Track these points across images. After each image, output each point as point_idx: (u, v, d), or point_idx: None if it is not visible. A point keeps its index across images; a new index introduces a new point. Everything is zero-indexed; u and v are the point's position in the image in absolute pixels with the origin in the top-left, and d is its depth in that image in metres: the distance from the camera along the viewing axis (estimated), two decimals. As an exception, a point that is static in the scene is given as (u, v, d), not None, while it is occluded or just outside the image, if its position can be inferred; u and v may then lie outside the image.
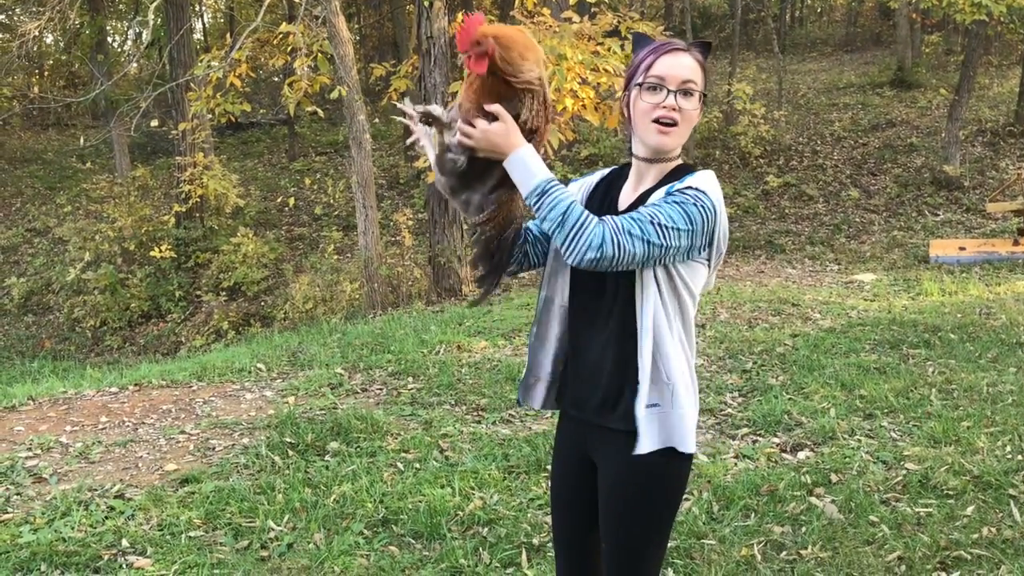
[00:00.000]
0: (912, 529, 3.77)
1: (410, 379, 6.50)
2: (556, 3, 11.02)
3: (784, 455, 4.73)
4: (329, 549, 3.74)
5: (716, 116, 17.06)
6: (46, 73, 26.06)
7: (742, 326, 7.75)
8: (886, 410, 5.35)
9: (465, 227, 10.98)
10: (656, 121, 2.06)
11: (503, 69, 1.95)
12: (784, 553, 3.63)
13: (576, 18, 9.42)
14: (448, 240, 10.75)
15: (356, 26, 22.66)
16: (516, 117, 1.99)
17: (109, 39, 22.06)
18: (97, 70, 16.49)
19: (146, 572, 3.61)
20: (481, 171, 2.08)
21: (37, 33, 10.48)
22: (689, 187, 2.01)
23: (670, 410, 2.07)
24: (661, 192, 2.04)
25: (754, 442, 4.95)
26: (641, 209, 2.00)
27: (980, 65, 14.96)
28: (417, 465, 4.69)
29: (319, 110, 10.21)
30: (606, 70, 8.95)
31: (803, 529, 3.81)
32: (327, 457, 4.89)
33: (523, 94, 1.98)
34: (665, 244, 1.96)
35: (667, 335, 2.07)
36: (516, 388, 6.08)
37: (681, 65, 2.06)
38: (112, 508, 4.27)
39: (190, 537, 3.91)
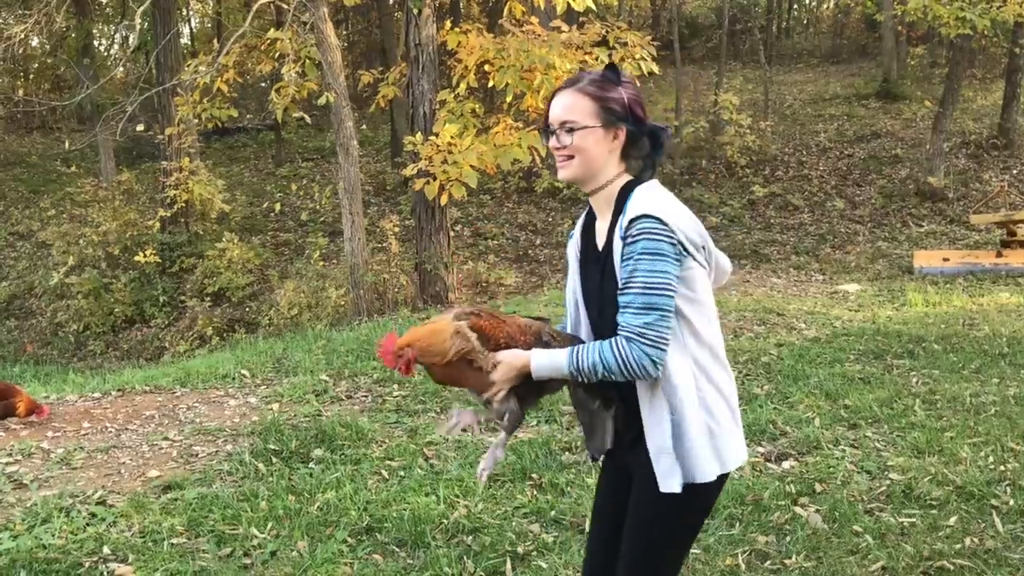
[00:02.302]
0: (896, 539, 3.78)
1: (395, 386, 6.48)
2: (545, 12, 11.04)
3: (769, 464, 4.73)
4: (312, 557, 3.71)
5: (702, 126, 17.14)
6: (31, 76, 25.92)
7: (727, 335, 7.77)
8: (870, 420, 5.37)
9: (450, 249, 10.98)
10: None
11: (430, 362, 2.22)
12: (768, 563, 3.63)
13: (564, 27, 9.46)
14: (434, 247, 10.75)
15: (344, 32, 22.66)
16: (471, 368, 2.21)
17: (95, 43, 21.98)
18: (83, 73, 16.41)
19: (128, 579, 3.58)
20: (530, 393, 2.32)
21: (23, 36, 10.42)
22: (631, 224, 2.09)
23: (679, 447, 2.14)
24: (617, 242, 2.13)
25: (739, 451, 4.95)
26: (628, 289, 2.08)
27: (964, 78, 15.10)
28: (402, 473, 4.67)
29: (306, 116, 10.19)
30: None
31: (787, 539, 3.81)
32: (311, 464, 4.86)
33: (463, 356, 2.20)
34: (670, 292, 2.06)
35: (670, 366, 2.12)
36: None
37: (559, 106, 2.21)
38: (94, 515, 4.23)
39: (172, 544, 3.88)
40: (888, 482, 4.39)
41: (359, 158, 10.93)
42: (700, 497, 2.19)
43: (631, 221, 2.08)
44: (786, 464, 4.72)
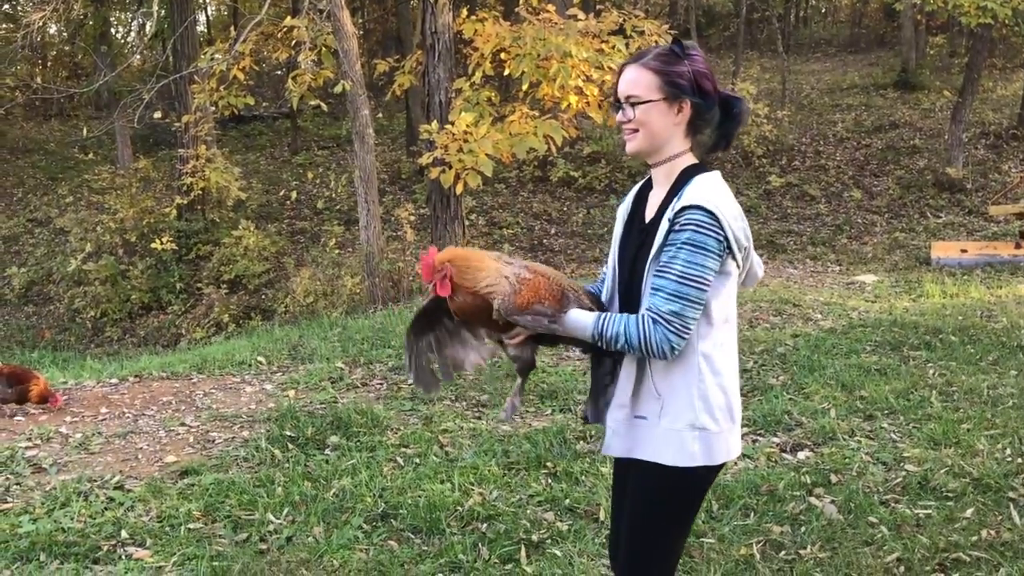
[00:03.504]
0: (911, 530, 3.77)
1: (410, 374, 6.49)
2: (562, 0, 11.01)
3: (784, 455, 4.73)
4: (328, 543, 3.74)
5: (719, 115, 17.05)
6: (49, 63, 26.04)
7: (743, 326, 7.75)
8: (886, 411, 5.35)
9: (465, 238, 10.98)
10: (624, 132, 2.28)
11: (463, 285, 2.23)
12: (783, 553, 3.63)
13: (581, 16, 9.43)
14: (449, 236, 10.75)
15: (360, 20, 22.65)
16: (489, 313, 2.23)
17: (113, 30, 22.05)
18: (100, 61, 16.47)
19: (145, 563, 3.62)
20: (545, 343, 2.37)
21: (41, 23, 10.46)
22: (683, 211, 2.11)
23: (656, 423, 2.19)
24: (665, 221, 2.15)
25: (754, 442, 4.95)
26: (665, 274, 2.11)
27: (984, 68, 14.96)
28: (417, 460, 4.69)
29: (323, 104, 10.20)
30: (610, 68, 8.95)
31: (802, 529, 3.81)
32: (327, 451, 4.89)
33: (489, 296, 2.22)
34: (704, 286, 2.09)
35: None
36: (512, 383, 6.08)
37: (624, 81, 2.24)
38: (112, 499, 4.27)
39: (189, 529, 3.92)
40: (904, 473, 4.37)
41: (375, 146, 10.94)
42: (680, 481, 2.22)
43: (683, 208, 2.10)
44: (801, 455, 4.72)
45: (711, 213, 2.07)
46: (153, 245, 13.26)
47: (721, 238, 2.08)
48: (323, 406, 5.67)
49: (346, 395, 6.04)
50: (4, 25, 21.81)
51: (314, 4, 9.61)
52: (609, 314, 2.19)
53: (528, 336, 2.27)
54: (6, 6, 22.20)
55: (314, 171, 17.59)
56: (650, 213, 2.28)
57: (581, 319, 2.21)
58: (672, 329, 2.08)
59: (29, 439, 5.20)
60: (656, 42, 9.55)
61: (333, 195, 16.17)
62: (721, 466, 2.27)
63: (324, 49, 9.93)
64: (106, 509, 4.15)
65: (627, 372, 2.23)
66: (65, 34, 21.76)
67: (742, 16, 18.64)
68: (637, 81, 2.20)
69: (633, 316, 2.14)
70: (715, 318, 2.17)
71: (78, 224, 14.69)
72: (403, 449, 4.87)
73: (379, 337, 7.62)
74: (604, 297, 2.40)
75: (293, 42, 10.04)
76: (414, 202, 14.64)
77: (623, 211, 2.40)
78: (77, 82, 22.30)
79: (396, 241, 11.91)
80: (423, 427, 5.23)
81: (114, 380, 6.72)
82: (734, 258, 2.14)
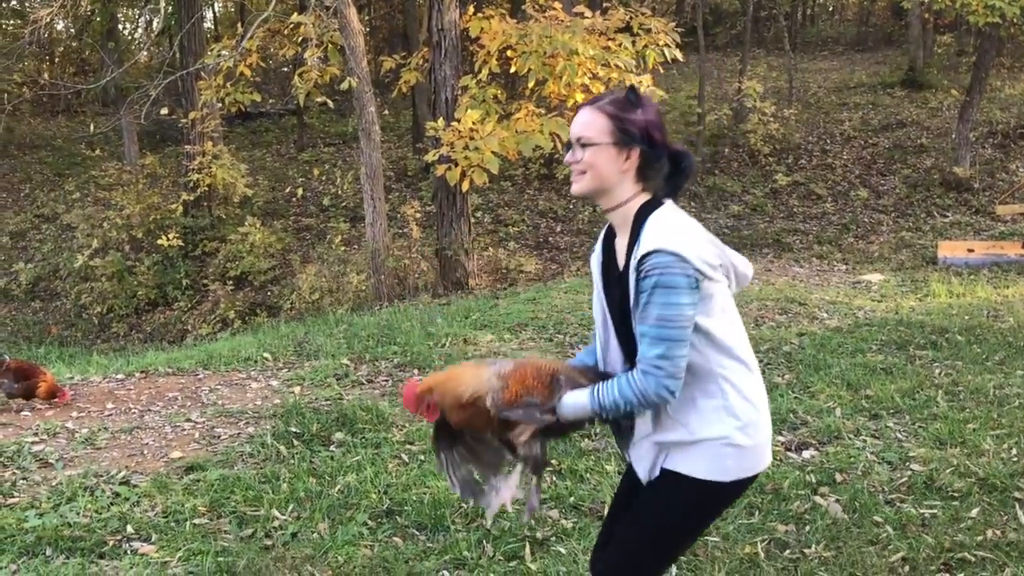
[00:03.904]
0: (916, 530, 3.76)
1: (416, 371, 6.51)
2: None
3: (789, 454, 4.72)
4: (333, 539, 3.75)
5: (726, 114, 17.03)
6: (56, 60, 26.09)
7: (748, 324, 7.74)
8: (892, 411, 5.34)
9: (471, 236, 10.98)
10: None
11: (449, 404, 2.28)
12: (788, 552, 3.63)
13: (588, 13, 9.41)
14: (455, 233, 10.76)
15: (367, 17, 22.65)
16: (487, 412, 2.26)
17: (120, 26, 22.09)
18: (108, 57, 16.51)
19: (150, 558, 3.63)
20: (553, 434, 2.41)
21: (48, 20, 10.48)
22: (644, 259, 2.12)
23: (687, 442, 2.21)
24: (632, 272, 2.16)
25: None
26: (646, 319, 2.12)
27: (992, 67, 14.90)
28: (422, 457, 4.69)
29: (329, 101, 10.21)
30: (616, 65, 8.94)
31: (807, 528, 3.81)
32: (332, 447, 4.90)
33: (479, 401, 2.25)
34: (684, 324, 2.10)
35: (694, 374, 2.19)
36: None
37: (577, 122, 2.27)
38: (117, 494, 4.28)
39: (195, 524, 3.92)
40: (909, 473, 4.37)
41: (381, 143, 10.94)
42: (709, 493, 2.23)
43: (644, 256, 2.12)
44: (806, 453, 4.71)
45: (671, 253, 2.08)
46: (159, 241, 13.30)
47: (689, 273, 2.09)
48: (328, 403, 5.68)
49: (351, 392, 6.05)
50: (12, 21, 21.87)
51: (321, 1, 9.62)
52: (601, 385, 2.21)
53: (534, 432, 2.28)
54: (13, 2, 22.25)
55: (320, 168, 17.60)
56: (621, 260, 2.29)
57: (577, 400, 2.23)
58: (664, 374, 2.10)
59: (35, 434, 5.22)
60: (663, 40, 9.54)
61: (339, 192, 16.18)
62: (753, 478, 2.28)
63: (331, 46, 9.94)
64: (112, 504, 4.16)
65: (675, 413, 2.22)
66: (72, 30, 21.78)
67: (749, 14, 18.61)
68: (590, 124, 2.23)
69: (624, 376, 2.17)
70: (717, 337, 2.18)
71: (85, 220, 14.73)
72: (408, 446, 4.88)
73: (384, 334, 7.62)
74: (598, 349, 2.40)
75: (300, 39, 10.05)
76: (420, 199, 14.65)
77: (595, 262, 2.41)
78: (84, 78, 22.36)
79: (402, 238, 11.92)
80: (427, 424, 5.22)
81: (120, 376, 6.74)
82: (712, 279, 2.15)
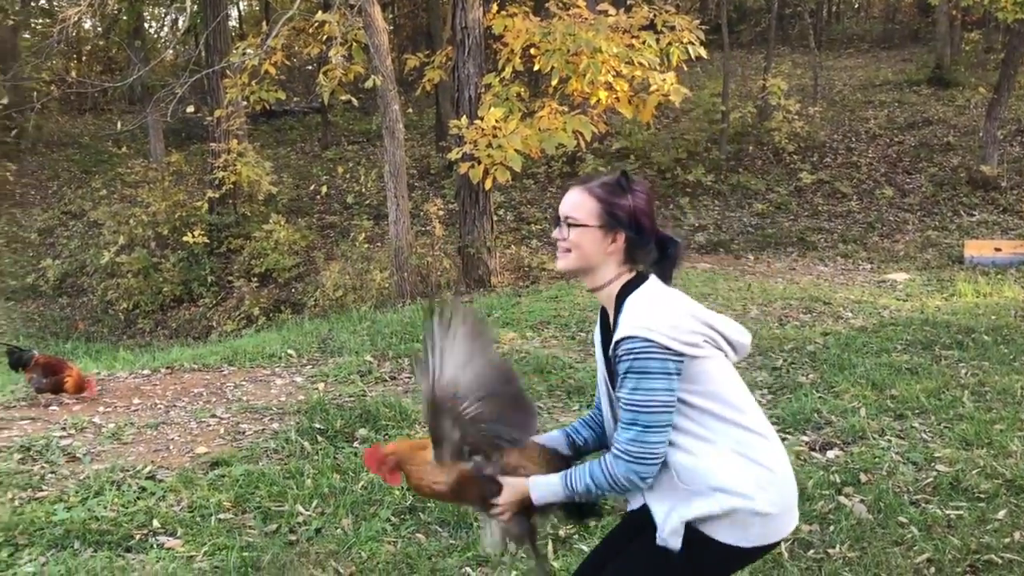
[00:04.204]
0: (942, 531, 3.74)
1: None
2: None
3: (813, 453, 4.70)
4: (357, 534, 3.77)
5: (750, 111, 16.94)
6: (84, 58, 26.34)
7: (772, 323, 7.70)
8: (917, 411, 5.30)
9: (493, 233, 10.98)
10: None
11: (411, 469, 2.30)
12: (812, 551, 3.61)
13: (612, 11, 9.39)
14: (478, 231, 10.77)
15: (390, 16, 22.71)
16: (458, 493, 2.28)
17: (146, 25, 22.26)
18: (134, 55, 16.65)
19: (176, 552, 3.66)
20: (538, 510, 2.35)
21: (77, 18, 10.59)
22: (619, 344, 2.11)
23: (685, 508, 2.16)
24: (612, 356, 2.16)
25: (783, 440, 4.91)
26: (623, 403, 2.12)
27: (1021, 64, 14.71)
28: (444, 453, 4.70)
29: (353, 99, 10.24)
30: (640, 63, 8.92)
31: (831, 528, 3.79)
32: (356, 444, 4.92)
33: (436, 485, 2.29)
34: (657, 408, 2.08)
35: (702, 462, 2.15)
36: (544, 380, 6.09)
37: (566, 202, 2.28)
38: (144, 489, 4.33)
39: (220, 519, 3.96)
40: (935, 474, 4.33)
41: (404, 141, 10.97)
42: (716, 555, 2.17)
43: (618, 342, 2.11)
44: (831, 453, 4.68)
45: (643, 339, 2.07)
46: (185, 238, 13.40)
47: (664, 357, 2.07)
48: (352, 399, 5.71)
49: (375, 388, 6.08)
50: (41, 20, 22.09)
51: (346, 0, 9.65)
52: (573, 470, 2.21)
53: (514, 510, 2.27)
54: (42, 1, 22.49)
55: (344, 166, 17.67)
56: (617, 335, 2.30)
57: (550, 485, 2.22)
58: (632, 459, 2.09)
59: (63, 428, 5.28)
60: (687, 38, 9.51)
61: (363, 190, 16.24)
62: (775, 544, 2.24)
63: (355, 44, 9.97)
64: (138, 499, 4.20)
65: (676, 486, 2.17)
66: (100, 29, 21.99)
67: (774, 11, 18.49)
68: (579, 205, 2.25)
69: (596, 462, 2.17)
70: (718, 411, 2.15)
71: (111, 217, 14.88)
72: (431, 443, 4.88)
73: (407, 331, 7.65)
74: (605, 420, 2.38)
75: (324, 37, 10.10)
76: (443, 197, 14.67)
77: (597, 341, 2.41)
78: (111, 77, 22.57)
79: (425, 236, 11.95)
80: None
81: (146, 371, 6.81)
82: (697, 356, 2.12)
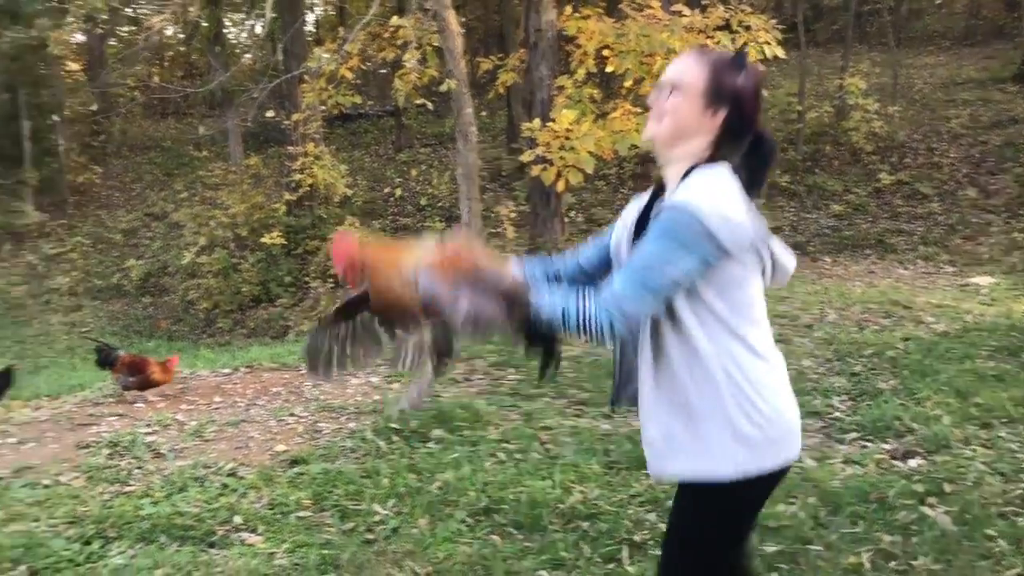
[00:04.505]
0: (1032, 545, 3.62)
1: (511, 370, 6.55)
2: (666, -4, 10.87)
3: (895, 462, 4.59)
4: (433, 535, 3.81)
5: (827, 111, 16.61)
6: (166, 64, 27.09)
7: (851, 328, 7.55)
8: (1004, 420, 5.13)
9: (564, 235, 10.96)
10: None
11: (378, 278, 2.15)
12: (894, 563, 3.53)
13: (686, 11, 9.30)
14: (549, 233, 10.77)
15: (463, 19, 22.83)
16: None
17: (226, 31, 22.78)
18: (215, 61, 17.07)
19: (257, 549, 3.75)
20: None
21: (160, 26, 10.91)
22: (668, 207, 2.02)
23: (689, 439, 2.10)
24: (652, 221, 2.08)
25: (863, 448, 4.82)
26: (634, 255, 2.05)
27: (1114, 59, 14.14)
28: (518, 456, 4.73)
29: (428, 103, 10.33)
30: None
31: (914, 539, 3.70)
32: (430, 444, 4.97)
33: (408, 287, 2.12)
34: (665, 278, 1.98)
35: (684, 358, 2.08)
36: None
37: (674, 66, 2.20)
38: (225, 485, 4.44)
39: (299, 517, 4.04)
40: (1024, 485, 4.20)
41: (477, 144, 11.01)
42: (716, 496, 2.13)
43: (669, 206, 2.02)
44: (913, 462, 4.57)
45: (693, 214, 1.96)
46: (263, 240, 13.67)
47: (701, 238, 1.96)
48: (427, 400, 5.76)
49: (448, 389, 6.12)
50: (127, 28, 22.78)
51: (420, 4, 9.74)
52: (551, 289, 2.09)
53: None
54: (128, 10, 23.19)
55: (417, 169, 17.84)
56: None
57: (532, 294, 2.07)
58: (615, 306, 1.98)
59: (148, 425, 5.46)
60: (763, 37, 9.36)
61: (435, 192, 16.38)
62: (780, 474, 2.16)
63: (429, 48, 10.05)
64: (220, 495, 4.31)
65: (676, 397, 2.11)
66: (182, 35, 22.60)
67: (852, 9, 18.10)
68: (687, 70, 2.15)
69: (574, 290, 2.05)
70: (731, 321, 2.06)
71: (192, 219, 15.28)
72: (504, 445, 4.92)
73: (480, 333, 7.68)
74: (574, 268, 2.36)
75: (400, 42, 10.19)
76: (514, 199, 14.72)
77: (630, 209, 2.34)
78: (192, 82, 23.15)
79: (496, 238, 12.00)
80: (524, 423, 5.27)
81: (227, 370, 6.98)
82: (736, 258, 2.02)
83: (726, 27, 9.54)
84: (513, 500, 4.09)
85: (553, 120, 9.40)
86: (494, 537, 3.82)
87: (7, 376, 6.04)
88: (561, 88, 9.89)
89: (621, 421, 5.27)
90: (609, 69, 9.49)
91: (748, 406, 2.08)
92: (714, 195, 2.00)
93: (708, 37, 9.19)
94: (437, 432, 5.11)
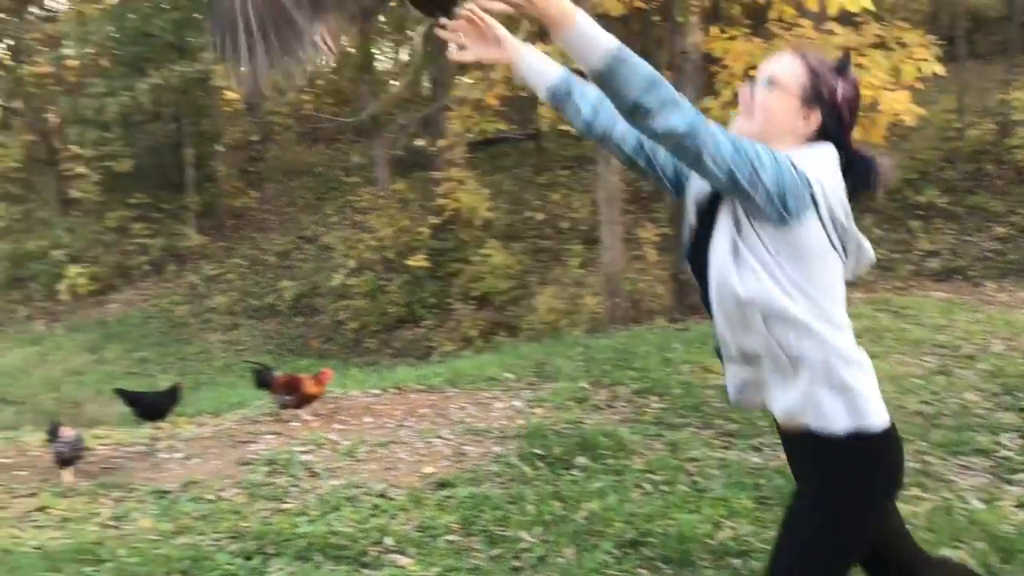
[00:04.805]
0: None
1: (654, 398, 6.47)
2: (817, 14, 10.60)
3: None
4: (580, 565, 3.79)
5: (989, 128, 15.77)
6: (318, 93, 28.22)
7: (1019, 359, 7.10)
8: None
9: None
10: None
11: None
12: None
13: (839, 30, 9.05)
14: (693, 257, 10.61)
15: (604, 41, 22.82)
16: None
17: (375, 62, 23.58)
18: (364, 89, 17.69)
19: (408, 571, 3.82)
20: None
21: (315, 58, 11.39)
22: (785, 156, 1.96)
23: (805, 389, 2.03)
24: None
25: (1038, 492, 4.52)
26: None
27: None
28: (665, 487, 4.66)
29: (573, 129, 10.41)
30: (870, 83, 8.52)
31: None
32: (574, 471, 4.96)
33: None
34: (752, 163, 1.88)
35: (779, 298, 1.99)
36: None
37: (773, 62, 2.13)
38: (376, 506, 4.55)
39: (448, 541, 4.10)
40: None
41: (618, 166, 11.01)
42: (850, 455, 2.05)
43: None
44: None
45: (800, 171, 1.92)
46: (408, 262, 14.06)
47: (799, 188, 1.90)
48: (569, 426, 5.76)
49: (591, 416, 6.10)
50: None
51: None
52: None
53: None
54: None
55: (558, 192, 17.95)
56: None
57: (602, 32, 1.91)
58: (704, 123, 1.87)
59: (303, 444, 5.65)
60: (920, 54, 9.00)
61: (576, 215, 16.43)
62: (886, 437, 2.06)
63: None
64: (372, 516, 4.42)
65: (780, 359, 2.04)
66: (333, 65, 23.51)
67: (1014, 20, 17.15)
68: (785, 67, 2.09)
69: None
70: (805, 286, 1.98)
71: (342, 242, 15.86)
72: (649, 475, 4.85)
73: (621, 358, 7.63)
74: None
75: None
76: (655, 221, 14.58)
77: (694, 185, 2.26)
78: (341, 109, 24.05)
79: (637, 261, 11.93)
80: (669, 454, 5.19)
81: (376, 391, 7.17)
82: (824, 228, 1.95)
83: (880, 44, 9.22)
84: (661, 533, 4.03)
85: (697, 143, 9.31)
86: (642, 571, 3.77)
87: (174, 393, 6.37)
88: (707, 110, 9.78)
89: (772, 455, 5.12)
90: (757, 90, 9.33)
91: (842, 366, 2.04)
92: (819, 167, 1.97)
93: (861, 55, 8.91)
94: (581, 459, 5.09)
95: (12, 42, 20.04)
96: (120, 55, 17.54)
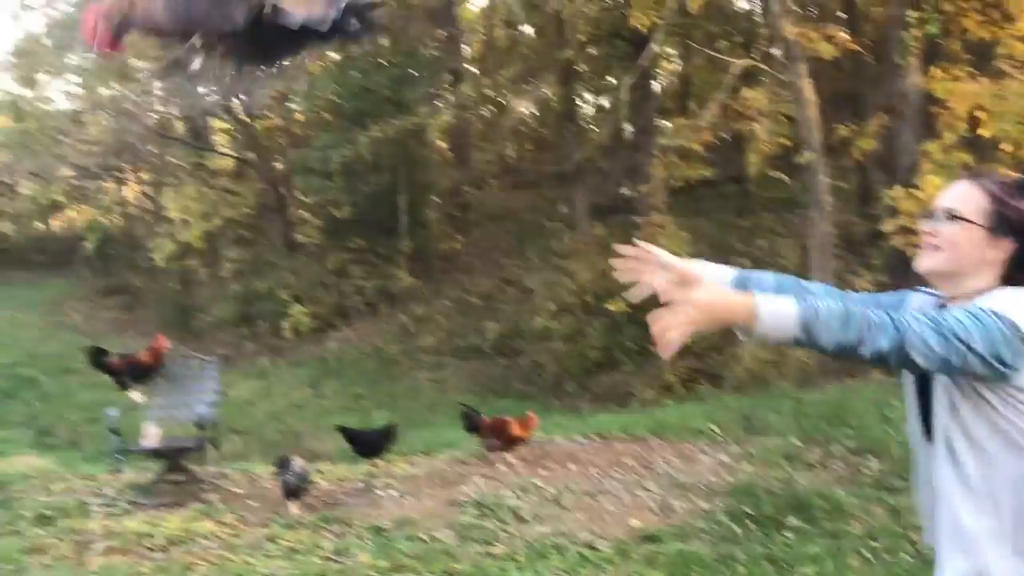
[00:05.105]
0: None
1: (872, 458, 6.15)
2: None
3: None
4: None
5: None
6: (521, 140, 28.99)
7: None
8: None
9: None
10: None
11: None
12: None
13: (1078, 66, 8.43)
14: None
15: (814, 83, 22.23)
16: None
17: (576, 109, 24.00)
18: (566, 136, 18.02)
19: (617, 626, 3.82)
20: None
21: (526, 111, 11.77)
22: (982, 308, 1.76)
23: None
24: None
25: None
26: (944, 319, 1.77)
27: None
28: (886, 556, 4.42)
29: (784, 177, 10.19)
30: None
31: None
32: (787, 533, 4.79)
33: None
34: (960, 342, 1.70)
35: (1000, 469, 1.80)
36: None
37: (950, 193, 1.97)
38: (583, 556, 4.58)
39: (658, 597, 4.06)
40: None
41: (831, 210, 10.65)
42: None
43: (980, 307, 1.77)
44: None
45: (1002, 316, 1.72)
46: (608, 306, 14.08)
47: (1014, 345, 1.71)
48: (780, 484, 5.58)
49: (803, 474, 5.88)
50: (487, 107, 24.77)
51: (776, 75, 9.69)
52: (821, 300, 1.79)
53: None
54: (489, 91, 25.21)
55: (763, 236, 17.52)
56: None
57: (781, 305, 1.73)
58: (934, 327, 1.69)
59: (510, 489, 5.77)
60: None
61: (783, 259, 15.96)
62: None
63: (781, 117, 9.93)
64: (579, 566, 4.45)
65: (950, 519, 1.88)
66: (536, 113, 24.11)
67: None
68: (965, 198, 1.92)
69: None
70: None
71: (543, 285, 16.12)
72: (870, 541, 4.62)
73: (835, 414, 7.32)
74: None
75: (752, 112, 10.18)
76: (867, 267, 13.93)
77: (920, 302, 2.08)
78: (541, 154, 24.58)
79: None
80: (891, 519, 4.92)
81: (579, 438, 7.22)
82: None
83: None
84: (884, 606, 3.83)
85: (917, 187, 8.87)
86: (864, 645, 3.60)
87: (391, 432, 6.67)
88: (927, 153, 9.32)
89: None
90: (983, 132, 8.80)
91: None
92: (1014, 301, 1.79)
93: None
94: (793, 521, 4.92)
95: (246, 98, 21.87)
96: (342, 109, 18.74)
